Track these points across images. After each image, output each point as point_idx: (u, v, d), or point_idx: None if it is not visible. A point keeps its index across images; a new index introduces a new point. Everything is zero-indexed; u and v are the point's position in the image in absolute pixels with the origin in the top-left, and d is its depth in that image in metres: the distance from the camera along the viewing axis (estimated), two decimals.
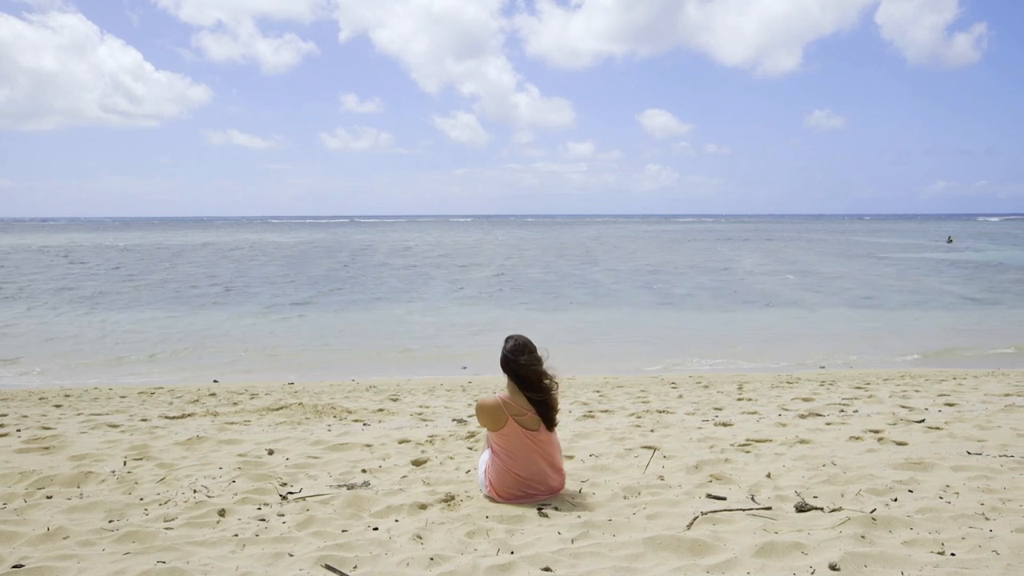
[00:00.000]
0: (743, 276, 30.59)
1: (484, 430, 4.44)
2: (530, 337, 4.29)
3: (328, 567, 3.06)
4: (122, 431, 6.72)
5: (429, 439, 6.09)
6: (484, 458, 4.40)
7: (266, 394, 10.00)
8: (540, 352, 4.27)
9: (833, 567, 3.00)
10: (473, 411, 7.45)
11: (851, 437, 5.92)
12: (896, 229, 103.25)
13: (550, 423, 4.18)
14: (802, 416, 7.16)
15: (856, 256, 43.68)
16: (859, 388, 9.50)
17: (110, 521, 3.81)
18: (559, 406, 4.29)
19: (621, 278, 29.87)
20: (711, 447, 5.64)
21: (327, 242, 65.85)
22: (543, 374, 4.17)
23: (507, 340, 4.31)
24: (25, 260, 40.29)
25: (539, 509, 3.98)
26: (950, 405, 7.68)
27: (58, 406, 8.82)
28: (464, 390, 10.24)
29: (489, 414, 4.21)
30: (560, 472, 4.33)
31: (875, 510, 3.74)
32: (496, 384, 10.27)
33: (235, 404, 8.92)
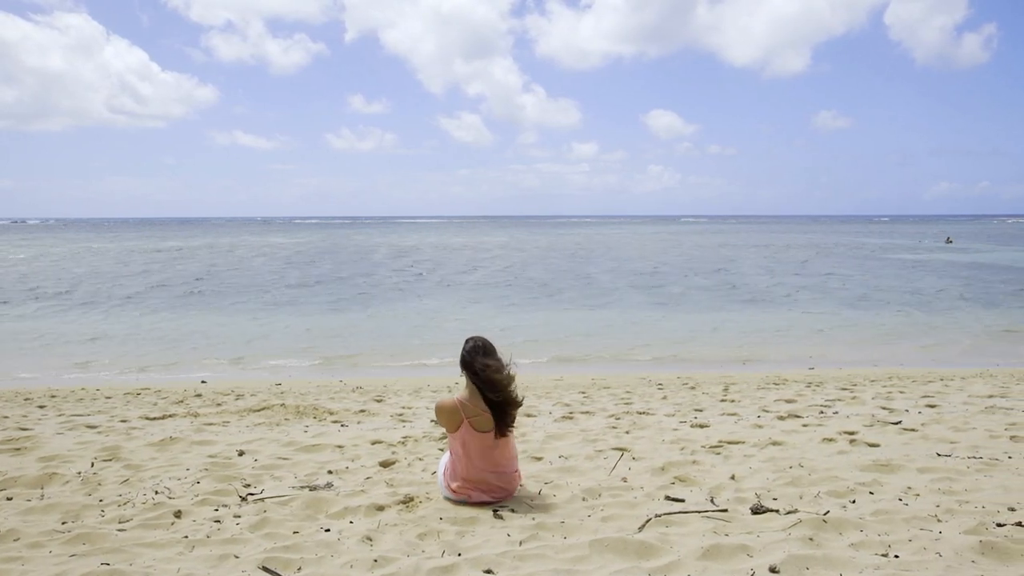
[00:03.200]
0: (740, 276, 30.56)
1: None
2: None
3: (265, 569, 3.06)
4: (98, 432, 6.72)
5: (402, 440, 6.08)
6: (444, 459, 4.40)
7: (251, 395, 10.00)
8: (501, 354, 4.26)
9: (773, 570, 2.99)
10: None
11: (824, 439, 5.90)
12: (900, 230, 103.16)
13: (503, 426, 4.16)
14: (781, 418, 7.14)
15: (854, 257, 43.63)
16: (844, 389, 9.47)
17: (63, 523, 3.81)
18: (517, 409, 4.27)
19: (617, 278, 29.88)
20: (682, 449, 5.62)
21: (328, 243, 65.93)
22: (502, 376, 4.15)
23: (467, 341, 4.31)
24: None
25: (495, 511, 3.98)
26: (931, 407, 7.65)
27: (42, 407, 8.84)
28: (450, 391, 10.23)
29: (446, 415, 4.21)
30: (514, 474, 4.32)
31: (828, 512, 3.73)
32: None
33: (219, 405, 8.93)
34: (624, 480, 4.63)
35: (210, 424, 7.32)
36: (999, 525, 3.45)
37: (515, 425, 4.31)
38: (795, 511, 3.83)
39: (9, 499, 4.31)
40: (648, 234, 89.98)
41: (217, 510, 4.07)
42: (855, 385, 9.97)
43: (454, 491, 4.21)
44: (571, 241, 69.52)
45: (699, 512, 3.84)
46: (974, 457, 5.07)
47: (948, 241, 60.38)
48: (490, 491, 4.18)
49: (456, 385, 10.93)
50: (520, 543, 3.44)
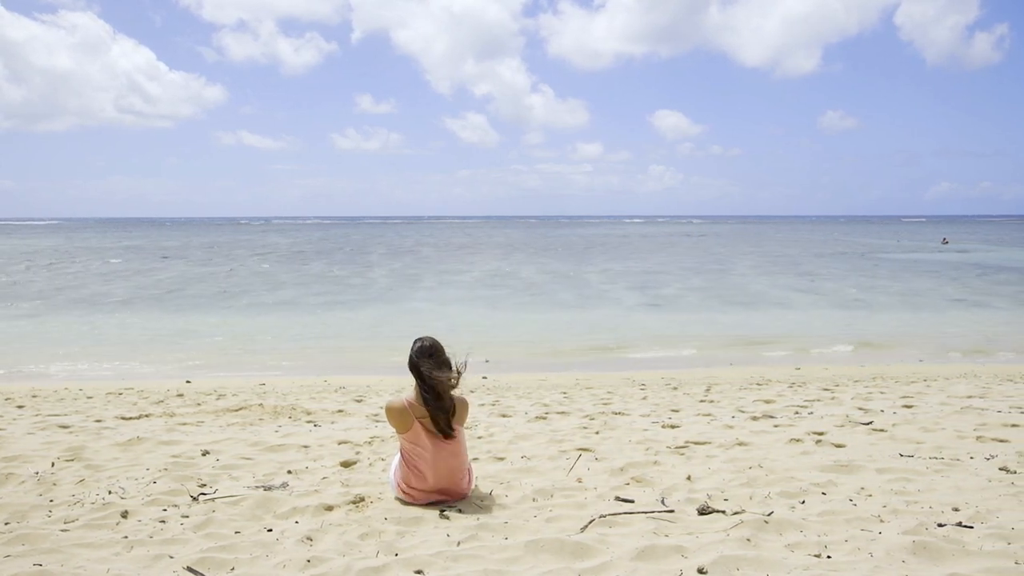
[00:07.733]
0: (736, 277, 30.54)
1: None
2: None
3: (190, 570, 3.05)
4: (70, 432, 6.72)
5: (368, 440, 6.07)
6: (396, 460, 4.39)
7: (233, 395, 9.99)
8: (450, 355, 4.25)
9: (701, 571, 2.97)
10: None
11: (791, 439, 5.88)
12: (901, 231, 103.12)
13: (445, 431, 4.13)
14: (754, 418, 7.11)
15: (852, 257, 43.62)
16: (826, 390, 9.44)
17: (6, 523, 3.80)
18: (466, 412, 4.27)
19: (612, 279, 29.86)
20: (646, 449, 5.60)
21: (326, 243, 66.01)
22: (445, 381, 4.13)
23: (415, 342, 4.30)
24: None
25: (441, 511, 3.96)
26: (907, 407, 7.61)
27: (20, 406, 8.84)
28: None
29: (395, 416, 4.20)
30: (464, 475, 4.30)
31: (771, 513, 3.70)
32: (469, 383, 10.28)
33: (199, 405, 8.93)
34: (579, 481, 4.61)
35: (184, 424, 7.31)
36: (940, 525, 3.43)
37: (468, 426, 4.30)
38: (742, 511, 3.81)
39: None
40: (650, 235, 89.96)
41: (165, 510, 4.06)
42: (837, 386, 9.94)
43: (406, 493, 4.19)
44: (571, 242, 69.55)
45: (645, 513, 3.82)
46: (935, 458, 5.04)
47: (944, 242, 60.75)
48: (445, 488, 4.17)
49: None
50: (458, 543, 3.42)
